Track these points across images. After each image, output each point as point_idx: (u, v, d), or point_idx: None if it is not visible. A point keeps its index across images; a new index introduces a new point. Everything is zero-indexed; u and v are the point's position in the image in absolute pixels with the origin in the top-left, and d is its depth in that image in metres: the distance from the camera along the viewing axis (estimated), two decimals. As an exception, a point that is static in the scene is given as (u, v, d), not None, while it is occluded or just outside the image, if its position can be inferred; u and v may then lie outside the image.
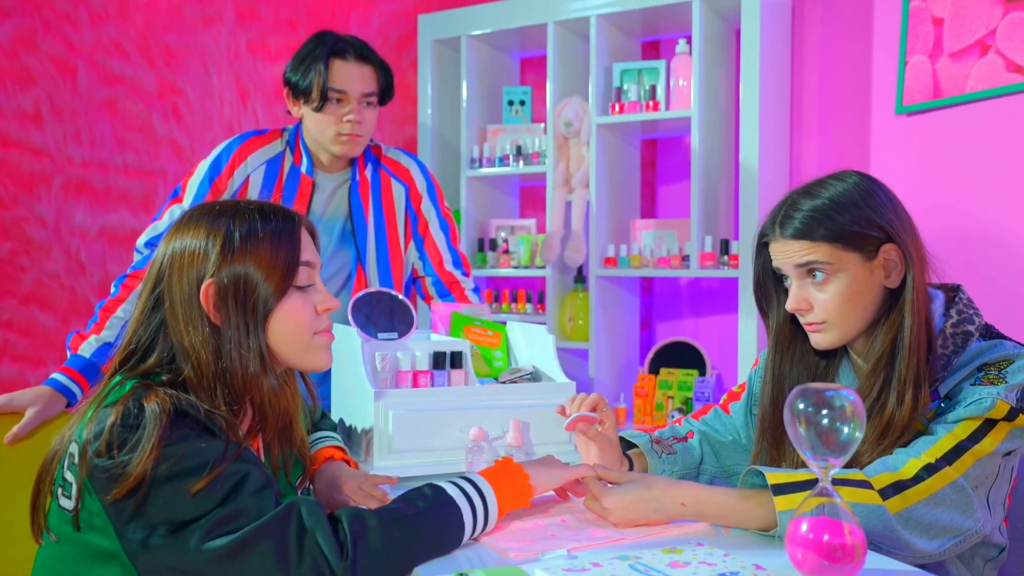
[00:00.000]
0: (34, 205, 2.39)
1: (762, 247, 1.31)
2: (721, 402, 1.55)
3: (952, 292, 1.28)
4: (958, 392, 1.18)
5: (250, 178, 1.91)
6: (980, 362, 1.19)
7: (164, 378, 1.06)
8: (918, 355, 1.19)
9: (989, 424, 1.13)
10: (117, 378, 1.07)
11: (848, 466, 1.14)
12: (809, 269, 1.23)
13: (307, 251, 1.14)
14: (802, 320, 1.28)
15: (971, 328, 1.23)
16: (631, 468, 1.42)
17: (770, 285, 1.34)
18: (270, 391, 1.09)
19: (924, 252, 1.24)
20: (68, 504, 1.01)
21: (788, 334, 1.34)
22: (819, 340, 1.27)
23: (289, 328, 1.12)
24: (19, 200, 2.36)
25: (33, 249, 2.39)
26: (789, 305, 1.26)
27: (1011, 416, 1.14)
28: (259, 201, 1.15)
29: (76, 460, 1.00)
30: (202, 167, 1.92)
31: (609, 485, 1.21)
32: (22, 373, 2.36)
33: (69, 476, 1.01)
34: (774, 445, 1.34)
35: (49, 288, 2.41)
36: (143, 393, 1.01)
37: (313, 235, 1.19)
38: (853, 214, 1.21)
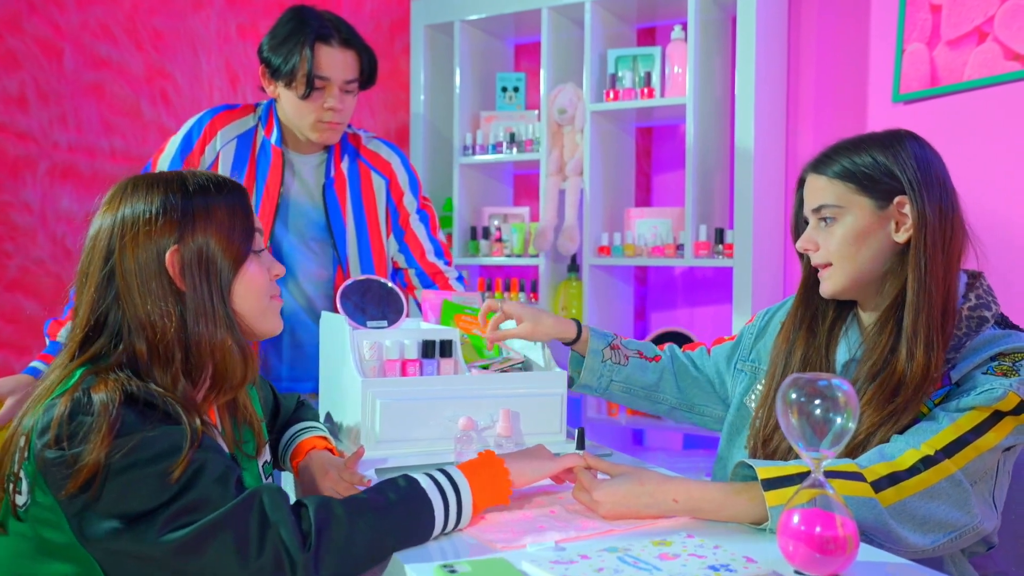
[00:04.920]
0: (19, 190, 2.36)
1: (800, 184, 1.35)
2: (711, 343, 1.59)
3: (973, 277, 1.28)
4: (968, 380, 1.17)
5: (220, 153, 1.85)
6: (994, 351, 1.17)
7: (112, 359, 1.04)
8: (926, 313, 1.18)
9: (996, 416, 1.12)
10: (70, 366, 1.04)
11: (855, 436, 1.15)
12: (822, 215, 1.27)
13: (255, 218, 1.16)
14: (812, 261, 1.30)
15: (987, 314, 1.22)
16: (578, 336, 1.51)
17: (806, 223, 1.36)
18: (238, 351, 1.09)
19: (959, 224, 1.24)
20: (20, 500, 0.99)
21: (816, 279, 1.34)
22: (825, 287, 1.29)
23: (251, 292, 1.13)
24: (4, 185, 2.33)
25: (18, 235, 2.36)
26: (798, 244, 1.31)
27: (1019, 410, 1.12)
28: (206, 172, 1.15)
29: (25, 454, 0.98)
30: (173, 143, 1.86)
31: (600, 476, 1.19)
32: (7, 361, 2.34)
33: (19, 471, 0.99)
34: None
35: (34, 275, 2.38)
36: (92, 381, 0.99)
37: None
38: (874, 158, 1.24)
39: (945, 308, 1.20)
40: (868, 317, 1.30)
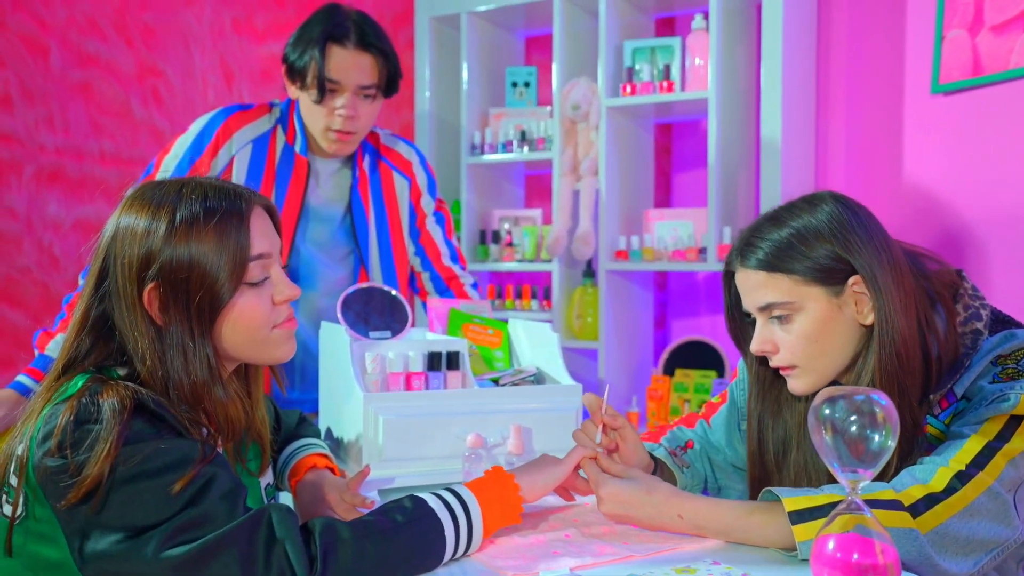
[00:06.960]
0: (3, 195, 2.37)
1: (729, 276, 1.29)
2: (701, 413, 1.51)
3: (951, 288, 1.24)
4: (976, 392, 1.15)
5: (234, 159, 1.83)
6: (993, 355, 1.17)
7: (121, 373, 1.04)
8: (899, 399, 1.14)
9: (1015, 421, 1.11)
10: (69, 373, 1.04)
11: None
12: (772, 314, 1.21)
13: (260, 241, 1.10)
14: (771, 363, 1.25)
15: (979, 326, 1.20)
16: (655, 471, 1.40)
17: (743, 317, 1.30)
18: (219, 401, 1.07)
19: (908, 273, 1.20)
20: (9, 511, 0.99)
21: (770, 373, 1.30)
22: (794, 386, 1.24)
23: (242, 328, 1.09)
24: (-13, 190, 2.35)
25: (2, 242, 2.37)
26: (753, 347, 1.24)
27: None
28: (204, 182, 1.10)
29: (23, 463, 0.97)
30: (181, 144, 1.83)
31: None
32: (-9, 375, 2.35)
33: (14, 481, 0.99)
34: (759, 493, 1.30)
35: (20, 284, 2.39)
36: (99, 388, 0.99)
37: (272, 214, 1.15)
38: (819, 246, 1.18)
39: (917, 361, 1.17)
40: None
